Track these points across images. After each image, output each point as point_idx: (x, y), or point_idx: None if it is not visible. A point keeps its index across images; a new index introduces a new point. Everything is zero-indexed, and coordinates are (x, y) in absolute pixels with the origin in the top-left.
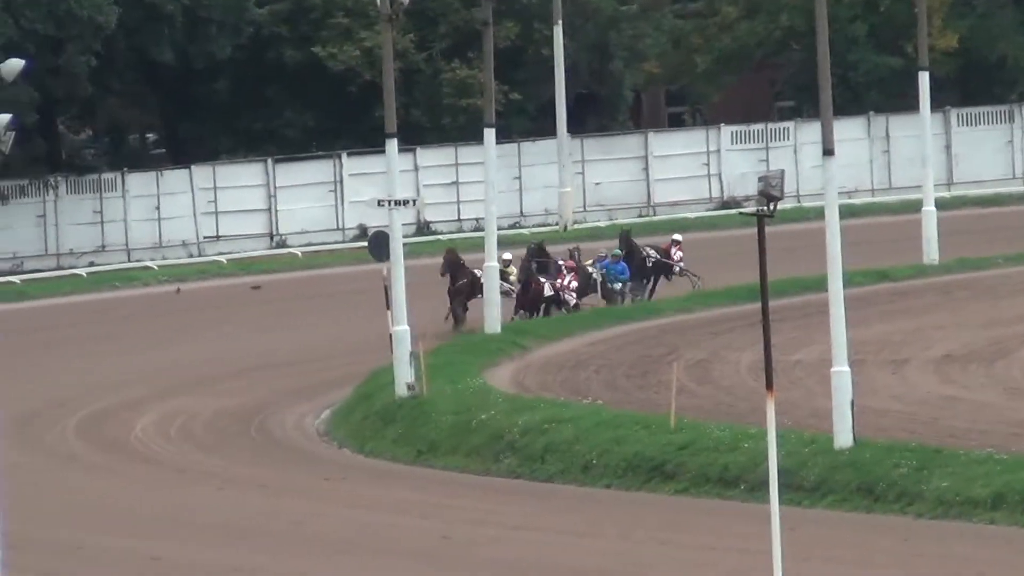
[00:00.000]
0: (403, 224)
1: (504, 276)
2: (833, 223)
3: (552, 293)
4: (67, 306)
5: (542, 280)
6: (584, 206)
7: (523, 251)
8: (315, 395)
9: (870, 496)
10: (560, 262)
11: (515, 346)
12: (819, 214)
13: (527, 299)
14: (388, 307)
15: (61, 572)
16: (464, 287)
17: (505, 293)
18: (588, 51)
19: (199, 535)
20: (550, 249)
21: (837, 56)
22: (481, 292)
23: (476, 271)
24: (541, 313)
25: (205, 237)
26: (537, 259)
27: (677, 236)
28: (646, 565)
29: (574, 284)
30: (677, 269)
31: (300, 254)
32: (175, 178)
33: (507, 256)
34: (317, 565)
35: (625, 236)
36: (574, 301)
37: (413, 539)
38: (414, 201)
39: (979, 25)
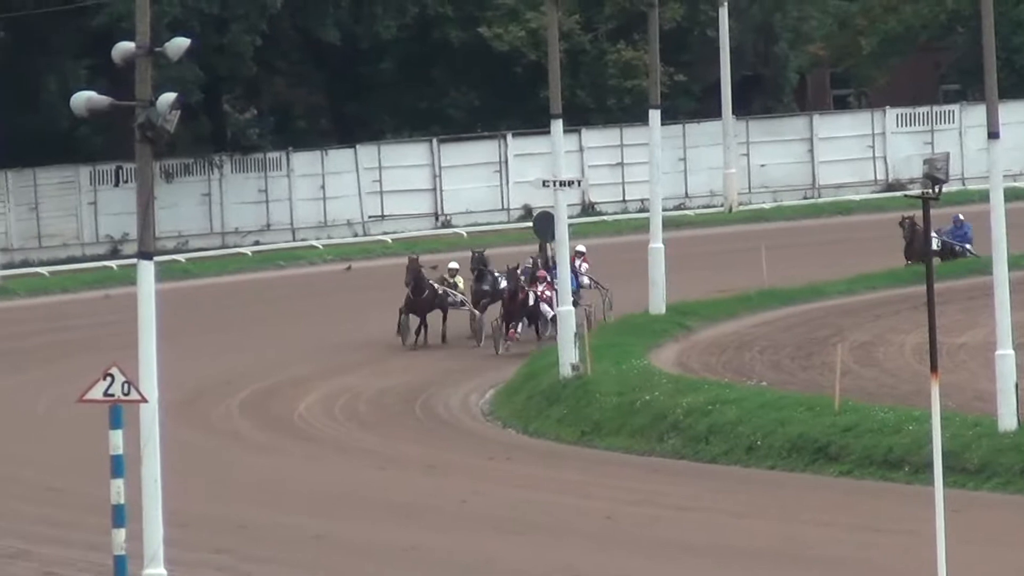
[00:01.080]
0: (568, 205)
1: (452, 285)
2: (998, 206)
3: (533, 303)
4: (231, 285)
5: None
6: (749, 188)
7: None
8: (479, 374)
9: None
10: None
11: (679, 327)
12: (984, 197)
13: (514, 308)
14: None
15: (229, 549)
16: (426, 301)
17: (453, 304)
18: (753, 32)
19: (363, 514)
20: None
21: (1002, 39)
22: (441, 307)
23: (435, 284)
24: (523, 324)
25: (370, 217)
26: (479, 267)
27: (580, 247)
28: (809, 546)
29: (549, 294)
30: (586, 281)
31: (465, 234)
32: (340, 157)
33: (453, 265)
34: (485, 544)
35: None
36: (552, 313)
37: (577, 519)
38: (579, 182)
39: None
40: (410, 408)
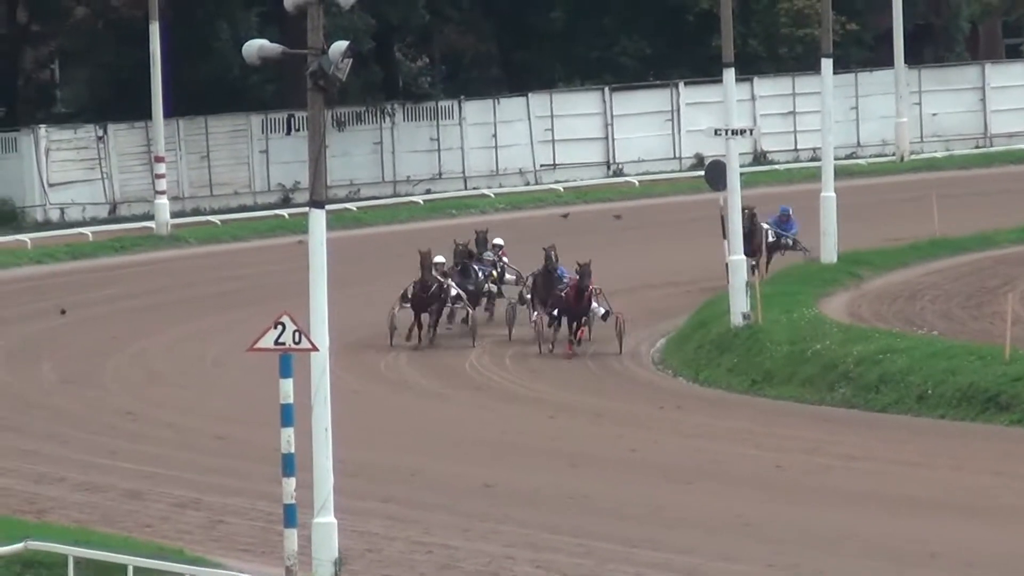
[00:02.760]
0: (740, 154)
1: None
2: None
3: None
4: (402, 233)
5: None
6: (921, 137)
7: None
8: (650, 323)
9: None
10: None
11: (850, 276)
12: None
13: (581, 306)
14: (724, 236)
15: (398, 498)
16: (435, 296)
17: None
18: None
19: (532, 462)
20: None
21: None
22: (447, 302)
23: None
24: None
25: (542, 165)
26: (463, 260)
27: (498, 240)
28: (980, 496)
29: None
30: (510, 277)
31: (637, 183)
32: (512, 106)
33: (499, 241)
34: (654, 493)
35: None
36: (602, 310)
37: (747, 467)
38: (751, 131)
39: None
40: (581, 357)
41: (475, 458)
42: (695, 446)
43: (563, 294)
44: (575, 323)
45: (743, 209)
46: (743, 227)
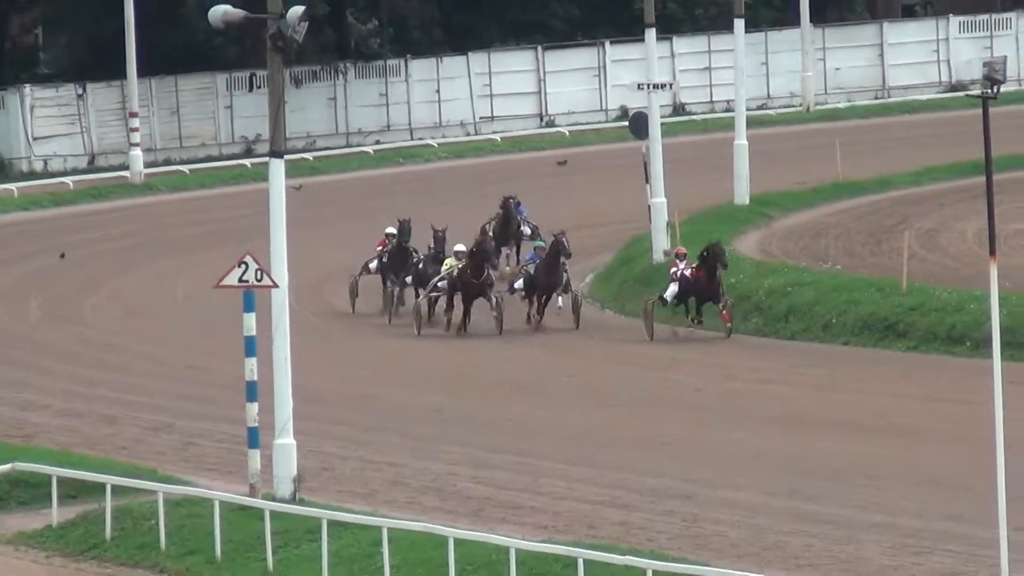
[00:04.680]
0: (661, 106)
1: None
2: None
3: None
4: (355, 180)
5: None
6: (825, 89)
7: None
8: (579, 260)
9: None
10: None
11: (761, 216)
12: (1020, 98)
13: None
14: (647, 181)
15: (352, 422)
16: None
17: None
18: None
19: (478, 390)
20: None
21: None
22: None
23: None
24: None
25: (481, 117)
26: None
27: (459, 247)
28: (881, 416)
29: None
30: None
31: (567, 133)
32: (453, 64)
33: (460, 247)
34: (587, 415)
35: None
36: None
37: (670, 392)
38: (671, 85)
39: None
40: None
41: (425, 387)
42: (623, 373)
43: (538, 270)
44: (546, 297)
45: (507, 198)
46: (503, 215)
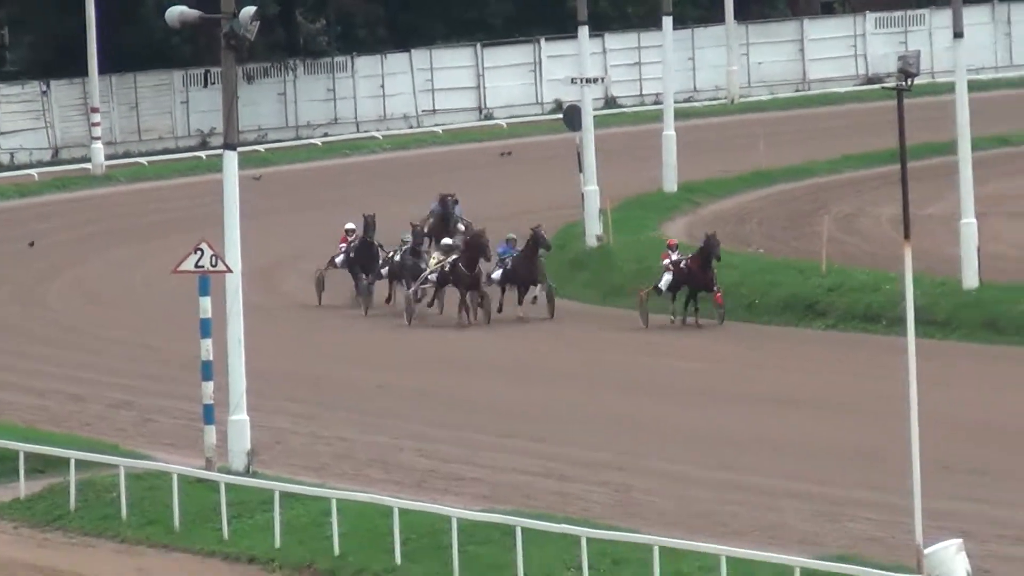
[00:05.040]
0: (593, 99)
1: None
2: (962, 96)
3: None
4: (304, 171)
5: None
6: (748, 83)
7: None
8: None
9: (993, 330)
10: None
11: (688, 203)
12: (950, 88)
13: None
14: (580, 170)
15: (302, 398)
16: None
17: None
18: None
19: (422, 368)
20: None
21: None
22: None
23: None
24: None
25: (423, 111)
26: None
27: (350, 225)
28: (802, 391)
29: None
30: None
31: (505, 125)
32: (397, 61)
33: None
34: (527, 392)
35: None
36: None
37: (605, 370)
38: (602, 79)
39: None
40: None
41: (372, 365)
42: (559, 351)
43: (516, 263)
44: (524, 288)
45: (444, 196)
46: (441, 212)
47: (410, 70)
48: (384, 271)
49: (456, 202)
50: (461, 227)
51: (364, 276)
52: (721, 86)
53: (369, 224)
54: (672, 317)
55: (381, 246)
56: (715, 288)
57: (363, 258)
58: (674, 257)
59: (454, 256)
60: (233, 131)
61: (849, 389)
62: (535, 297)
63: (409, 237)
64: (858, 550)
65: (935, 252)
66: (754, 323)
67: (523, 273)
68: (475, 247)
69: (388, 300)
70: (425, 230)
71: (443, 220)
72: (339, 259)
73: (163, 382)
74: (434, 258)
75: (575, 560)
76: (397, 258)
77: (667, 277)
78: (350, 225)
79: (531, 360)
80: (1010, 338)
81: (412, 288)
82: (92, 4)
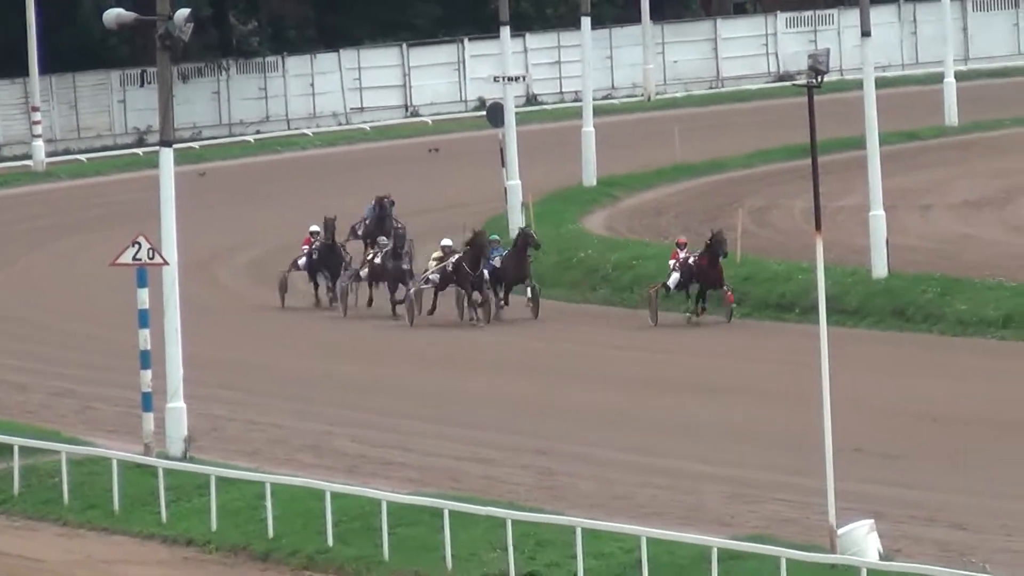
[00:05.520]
0: (515, 96)
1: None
2: (870, 93)
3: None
4: (237, 167)
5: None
6: (664, 80)
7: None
8: (443, 236)
9: (901, 318)
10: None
11: (607, 196)
12: (858, 85)
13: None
14: (503, 165)
15: (238, 386)
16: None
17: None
18: None
19: (353, 357)
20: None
21: None
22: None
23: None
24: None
25: (351, 108)
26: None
27: (314, 227)
28: (717, 376)
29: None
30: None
31: (430, 122)
32: (326, 60)
33: (447, 242)
34: (451, 379)
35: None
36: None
37: (526, 357)
38: (524, 77)
39: None
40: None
41: (306, 356)
42: (482, 339)
43: (505, 260)
44: (509, 288)
45: (381, 198)
46: (378, 214)
47: (339, 69)
48: (363, 273)
49: (392, 203)
50: (398, 227)
51: (327, 279)
52: (638, 84)
53: (330, 226)
54: (688, 315)
55: (344, 247)
56: (725, 286)
57: (326, 261)
58: (682, 255)
59: (456, 256)
60: (169, 128)
61: (764, 375)
62: (528, 297)
63: (386, 240)
64: (773, 531)
65: (845, 243)
66: (672, 312)
67: (513, 272)
68: (477, 246)
69: (369, 303)
70: (360, 232)
71: (380, 221)
72: (301, 261)
73: (103, 371)
74: (433, 257)
75: (501, 542)
76: (378, 260)
77: (675, 276)
78: (314, 228)
79: (460, 350)
80: (917, 325)
81: (413, 288)
82: (32, 6)
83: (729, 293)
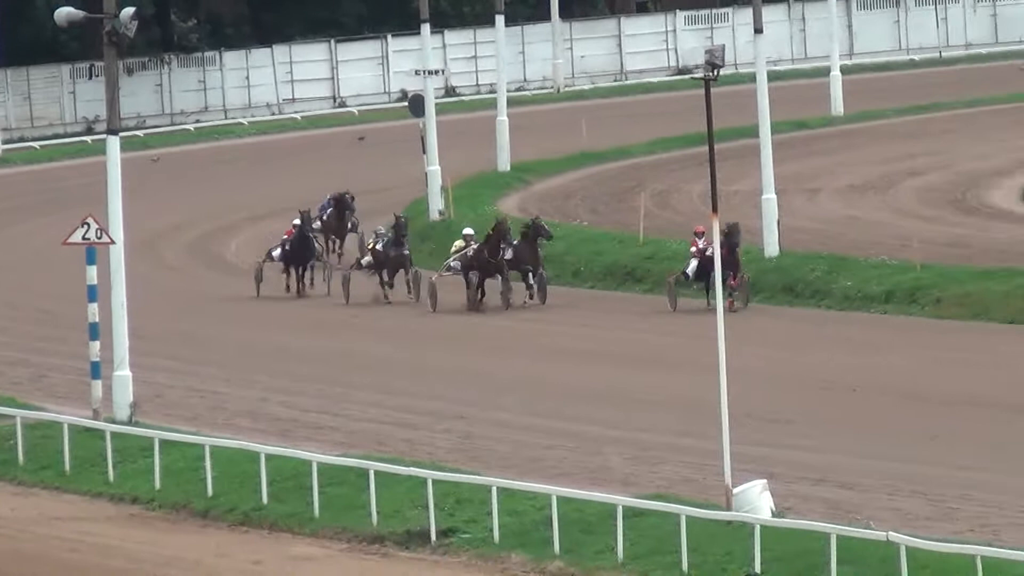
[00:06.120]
0: (435, 88)
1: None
2: (762, 85)
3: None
4: (179, 154)
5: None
6: (572, 74)
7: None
8: (368, 219)
9: (791, 293)
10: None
11: (520, 181)
12: (751, 78)
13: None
14: (424, 152)
15: (180, 356)
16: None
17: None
18: None
19: (287, 329)
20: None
21: None
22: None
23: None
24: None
25: (284, 100)
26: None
27: (297, 221)
28: (624, 346)
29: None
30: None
31: (356, 112)
32: (260, 55)
33: (469, 231)
34: (374, 349)
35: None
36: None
37: (445, 328)
38: (443, 71)
39: None
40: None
41: (244, 327)
42: (404, 311)
43: (517, 250)
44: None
45: (342, 194)
46: (336, 209)
47: (272, 64)
48: (365, 261)
49: (353, 198)
50: (355, 221)
51: (298, 270)
52: (548, 77)
53: (306, 219)
54: (708, 301)
55: (317, 239)
56: (742, 273)
57: (299, 252)
58: (701, 244)
59: (475, 244)
60: (115, 118)
61: (664, 346)
62: (532, 284)
63: (383, 229)
64: (673, 490)
65: (740, 224)
66: (579, 287)
67: (525, 259)
68: (499, 234)
69: (386, 290)
70: (318, 224)
71: (340, 215)
72: (276, 252)
73: (55, 342)
74: (455, 246)
75: (422, 500)
76: (379, 247)
77: (693, 263)
78: (297, 221)
79: (389, 323)
80: (806, 301)
81: (435, 275)
82: None
83: (736, 279)
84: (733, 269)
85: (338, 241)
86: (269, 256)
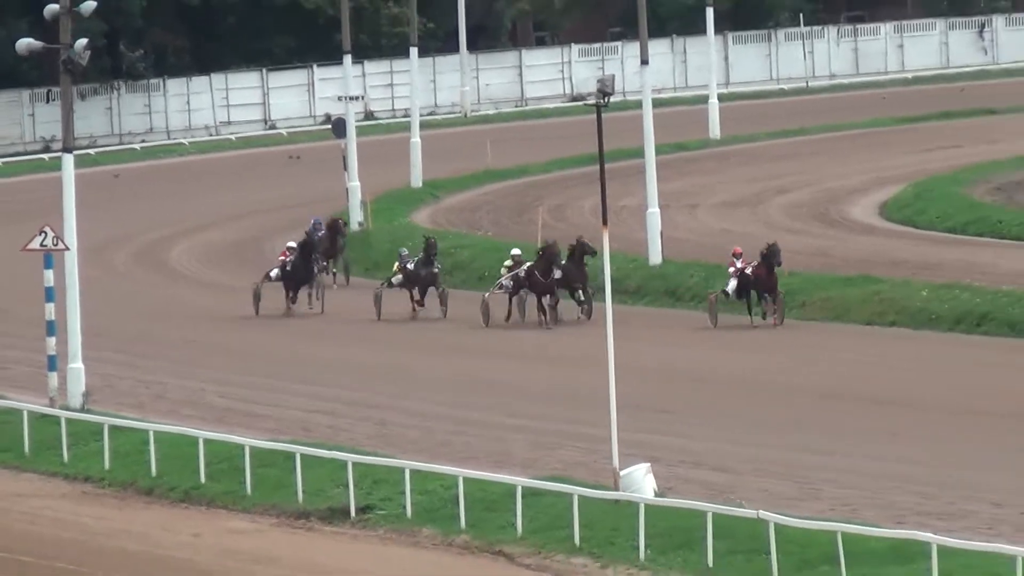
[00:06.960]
0: (355, 113)
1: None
2: (647, 111)
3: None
4: (127, 170)
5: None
6: (478, 100)
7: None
8: (291, 231)
9: (673, 297)
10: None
11: (431, 196)
12: (637, 105)
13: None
14: (345, 169)
15: (128, 351)
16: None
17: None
18: None
19: (228, 326)
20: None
21: None
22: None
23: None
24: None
25: (220, 122)
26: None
27: (292, 244)
28: (525, 345)
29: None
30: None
31: (286, 134)
32: (200, 82)
33: (516, 251)
34: (291, 345)
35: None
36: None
37: (373, 331)
38: (363, 97)
39: None
40: (248, 253)
41: (187, 326)
42: (330, 314)
43: (566, 269)
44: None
45: (335, 220)
46: (328, 234)
47: (210, 90)
48: (396, 280)
49: (346, 224)
50: (342, 244)
51: (297, 290)
52: (456, 103)
53: (311, 244)
54: (751, 318)
55: (317, 260)
56: (777, 292)
57: (299, 273)
58: (739, 264)
59: (528, 264)
60: (70, 138)
61: (559, 344)
62: (581, 300)
63: (406, 251)
64: (568, 473)
65: (628, 236)
66: (483, 291)
67: (574, 277)
68: (549, 256)
69: (417, 310)
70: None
71: (332, 239)
72: (274, 273)
73: (15, 337)
74: (505, 265)
75: (343, 480)
76: (411, 267)
77: (733, 283)
78: (292, 244)
79: (311, 324)
80: (686, 304)
81: (487, 294)
82: None
83: (780, 294)
84: (771, 289)
85: (331, 262)
86: (267, 277)
